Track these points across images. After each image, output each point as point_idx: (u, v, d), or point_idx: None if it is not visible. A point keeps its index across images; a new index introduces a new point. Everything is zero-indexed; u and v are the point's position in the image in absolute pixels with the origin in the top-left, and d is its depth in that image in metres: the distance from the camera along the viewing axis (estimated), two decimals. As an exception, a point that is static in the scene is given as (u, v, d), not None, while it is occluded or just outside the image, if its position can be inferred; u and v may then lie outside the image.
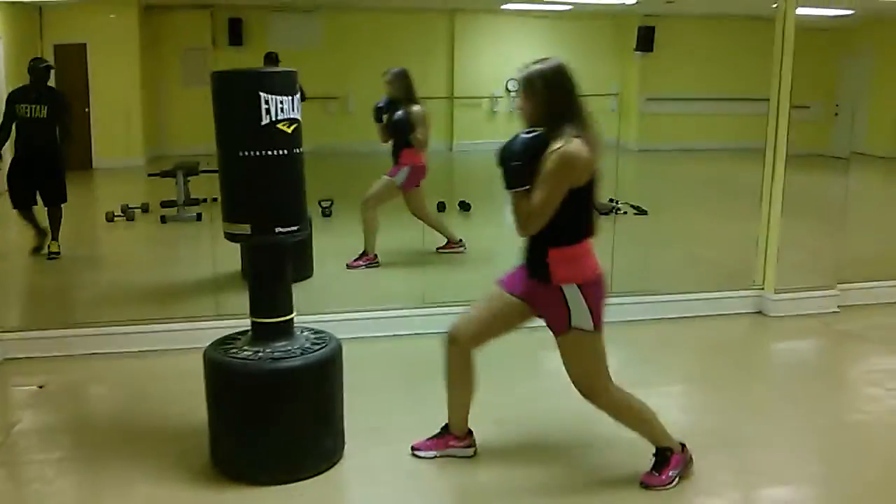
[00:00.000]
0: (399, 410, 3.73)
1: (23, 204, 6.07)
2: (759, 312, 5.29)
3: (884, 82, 12.12)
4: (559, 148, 2.74)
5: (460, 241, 6.38)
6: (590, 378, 2.99)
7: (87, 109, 8.45)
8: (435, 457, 3.29)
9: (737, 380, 4.31)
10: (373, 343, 4.51)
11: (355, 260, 6.06)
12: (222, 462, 3.18)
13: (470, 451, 3.31)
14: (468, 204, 7.98)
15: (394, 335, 4.67)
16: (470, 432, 3.32)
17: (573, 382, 3.00)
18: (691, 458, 3.16)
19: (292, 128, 3.07)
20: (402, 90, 5.95)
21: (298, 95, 3.11)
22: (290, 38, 10.15)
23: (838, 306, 5.33)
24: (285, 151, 3.06)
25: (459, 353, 3.12)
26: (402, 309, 4.90)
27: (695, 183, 9.59)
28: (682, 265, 6.35)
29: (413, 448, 3.31)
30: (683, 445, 3.14)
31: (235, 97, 3.06)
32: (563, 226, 2.81)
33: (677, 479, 3.08)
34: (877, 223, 7.47)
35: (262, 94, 2.98)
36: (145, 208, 7.86)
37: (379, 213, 6.05)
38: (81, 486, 3.17)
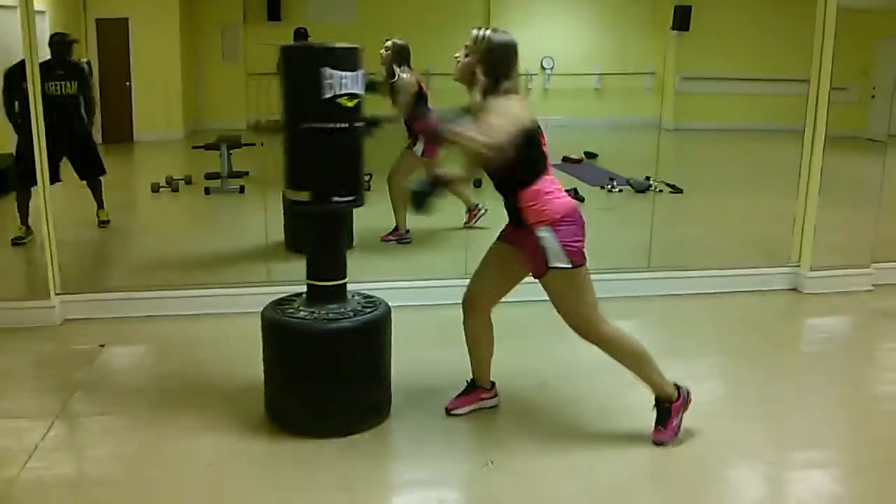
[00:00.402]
0: (441, 372, 3.85)
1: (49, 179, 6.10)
2: (794, 289, 5.37)
3: (923, 65, 11.97)
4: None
5: (477, 205, 6.46)
6: (578, 314, 3.11)
7: (128, 83, 8.61)
8: (469, 412, 3.49)
9: (771, 352, 4.41)
10: (414, 311, 4.62)
11: (388, 234, 6.20)
12: (279, 416, 3.35)
13: (496, 401, 3.55)
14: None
15: (434, 304, 4.77)
16: (493, 384, 3.54)
17: (565, 320, 3.14)
18: (689, 395, 3.29)
19: (353, 102, 3.18)
20: (387, 64, 5.91)
21: (361, 72, 3.21)
22: (325, 13, 10.21)
23: (872, 284, 5.40)
24: (346, 125, 3.18)
25: (480, 318, 3.33)
26: (442, 279, 5.03)
27: (731, 162, 9.58)
28: (718, 242, 6.41)
29: (448, 409, 3.49)
30: (678, 388, 3.27)
31: (301, 71, 3.17)
32: (520, 167, 2.98)
33: (681, 424, 3.24)
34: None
35: (325, 69, 3.10)
36: (188, 180, 8.04)
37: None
38: (148, 436, 3.34)
